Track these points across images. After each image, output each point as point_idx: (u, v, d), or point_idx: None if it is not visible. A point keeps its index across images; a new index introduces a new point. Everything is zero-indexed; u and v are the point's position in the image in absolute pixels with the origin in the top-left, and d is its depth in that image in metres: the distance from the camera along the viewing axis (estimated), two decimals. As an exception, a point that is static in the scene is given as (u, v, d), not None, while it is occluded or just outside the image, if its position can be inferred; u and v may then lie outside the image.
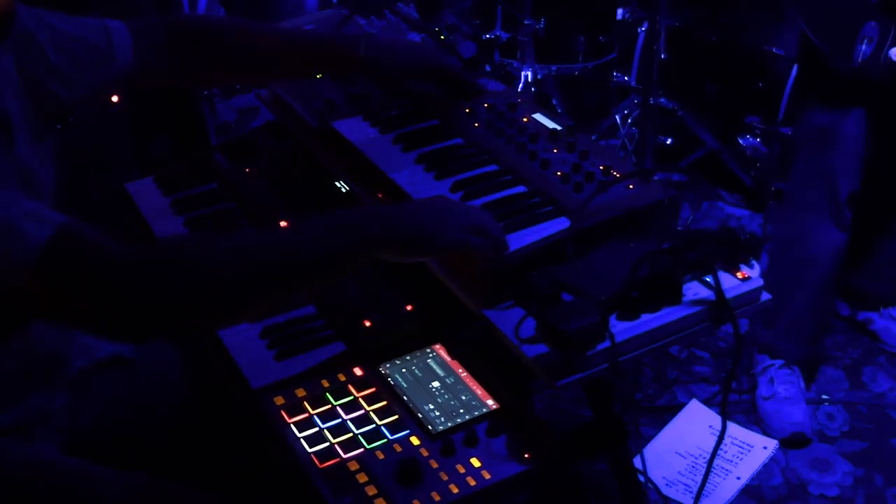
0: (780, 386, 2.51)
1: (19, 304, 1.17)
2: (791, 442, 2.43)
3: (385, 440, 1.30)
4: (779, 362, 2.54)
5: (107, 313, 1.17)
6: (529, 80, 3.53)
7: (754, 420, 2.50)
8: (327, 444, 1.30)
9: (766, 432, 2.47)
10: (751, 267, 1.39)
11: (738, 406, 2.55)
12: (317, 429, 1.32)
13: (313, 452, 1.29)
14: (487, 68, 3.49)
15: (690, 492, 2.27)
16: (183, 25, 1.65)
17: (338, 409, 1.35)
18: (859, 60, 2.15)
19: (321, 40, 1.74)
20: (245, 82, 1.93)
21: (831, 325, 2.75)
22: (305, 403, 1.36)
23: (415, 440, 1.30)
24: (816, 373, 2.65)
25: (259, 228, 1.29)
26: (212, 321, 1.30)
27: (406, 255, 1.30)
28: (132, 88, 1.64)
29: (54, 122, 1.49)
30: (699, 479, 2.25)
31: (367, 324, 1.49)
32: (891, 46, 2.13)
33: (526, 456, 1.27)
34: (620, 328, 1.29)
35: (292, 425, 1.33)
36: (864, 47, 2.14)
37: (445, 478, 1.24)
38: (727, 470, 2.33)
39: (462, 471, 1.25)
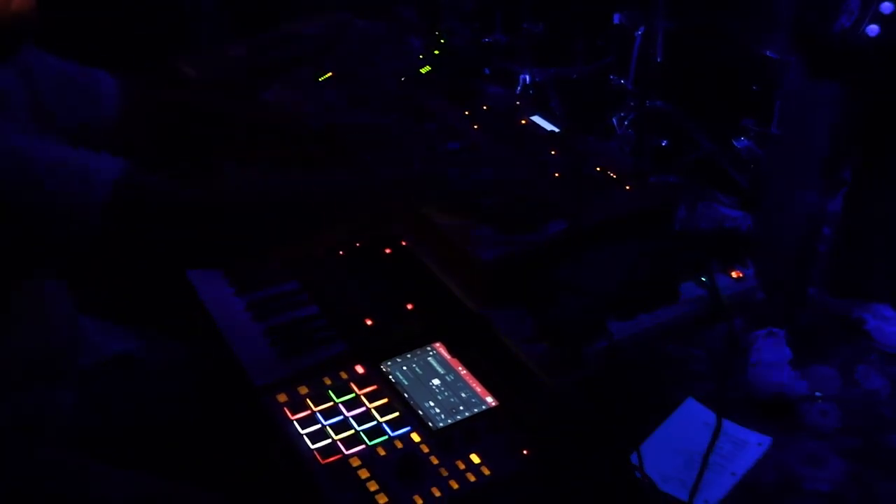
0: (766, 353, 2.58)
1: (89, 242, 1.20)
2: (773, 406, 2.49)
3: (386, 437, 1.31)
4: (763, 332, 2.60)
5: (171, 241, 1.24)
6: (528, 82, 3.53)
7: (749, 417, 2.50)
8: (329, 440, 1.30)
9: (753, 394, 2.53)
10: (745, 267, 1.39)
11: (733, 403, 2.55)
12: (319, 425, 1.33)
13: (316, 449, 1.29)
14: (487, 71, 3.48)
15: (686, 487, 2.28)
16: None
17: (340, 406, 1.36)
18: (837, 32, 2.16)
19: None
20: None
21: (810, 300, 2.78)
22: (308, 401, 1.36)
23: (415, 437, 1.31)
24: (805, 337, 2.70)
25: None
26: (256, 251, 1.38)
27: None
28: (116, 142, 1.66)
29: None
30: (695, 474, 2.25)
31: (369, 322, 1.49)
32: (870, 23, 2.14)
33: (525, 453, 1.27)
34: (618, 327, 1.30)
35: (295, 422, 1.33)
36: (844, 20, 2.15)
37: (445, 474, 1.24)
38: (722, 466, 2.33)
39: (462, 467, 1.25)
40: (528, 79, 3.53)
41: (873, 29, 2.12)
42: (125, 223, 1.19)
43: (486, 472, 1.24)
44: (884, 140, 2.49)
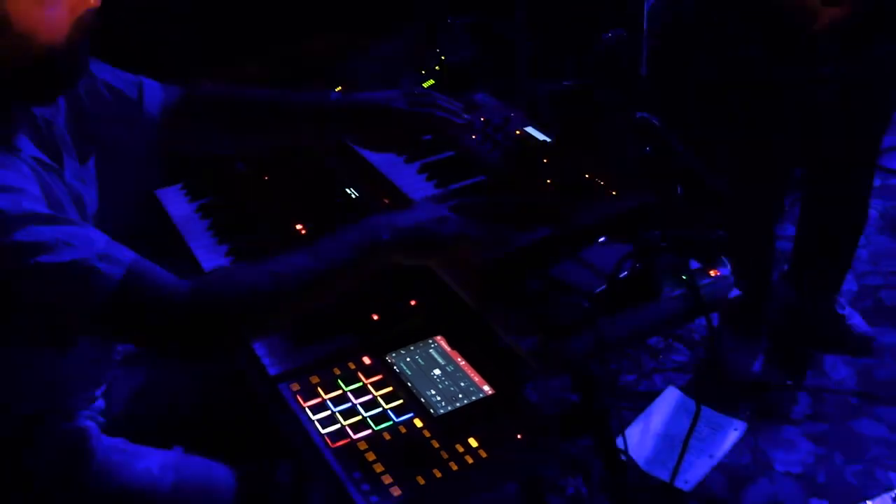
0: (741, 338, 2.57)
1: (90, 333, 1.22)
2: (751, 386, 2.51)
3: (391, 422, 1.31)
4: (736, 322, 2.60)
5: (169, 339, 1.21)
6: (522, 95, 3.53)
7: (725, 404, 2.50)
8: (339, 425, 1.30)
9: (729, 378, 2.55)
10: (722, 265, 1.39)
11: (711, 391, 2.55)
12: (329, 412, 1.32)
13: (326, 433, 1.29)
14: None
15: (667, 469, 2.28)
16: (203, 95, 1.62)
17: (348, 394, 1.36)
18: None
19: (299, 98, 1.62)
20: (245, 148, 1.83)
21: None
22: (319, 389, 1.36)
23: (418, 422, 1.31)
24: (774, 329, 2.70)
25: (286, 253, 1.31)
26: (256, 334, 1.36)
27: (414, 257, 1.32)
28: (157, 146, 1.60)
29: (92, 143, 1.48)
30: (675, 457, 2.25)
31: (375, 317, 1.49)
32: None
33: (519, 437, 1.27)
34: (604, 321, 1.30)
35: (307, 409, 1.33)
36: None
37: (446, 456, 1.24)
38: (701, 449, 2.33)
39: (461, 450, 1.25)
40: (522, 91, 3.52)
41: None
42: (123, 320, 1.17)
43: (483, 455, 1.24)
44: (835, 141, 2.45)
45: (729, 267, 1.39)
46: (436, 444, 1.26)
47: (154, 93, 1.54)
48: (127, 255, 1.16)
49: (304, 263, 1.25)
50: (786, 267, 2.77)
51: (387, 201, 1.63)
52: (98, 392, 1.48)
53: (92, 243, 1.15)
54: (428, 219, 1.32)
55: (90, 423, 1.42)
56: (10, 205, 1.11)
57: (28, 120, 1.29)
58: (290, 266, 1.25)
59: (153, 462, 1.41)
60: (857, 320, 2.72)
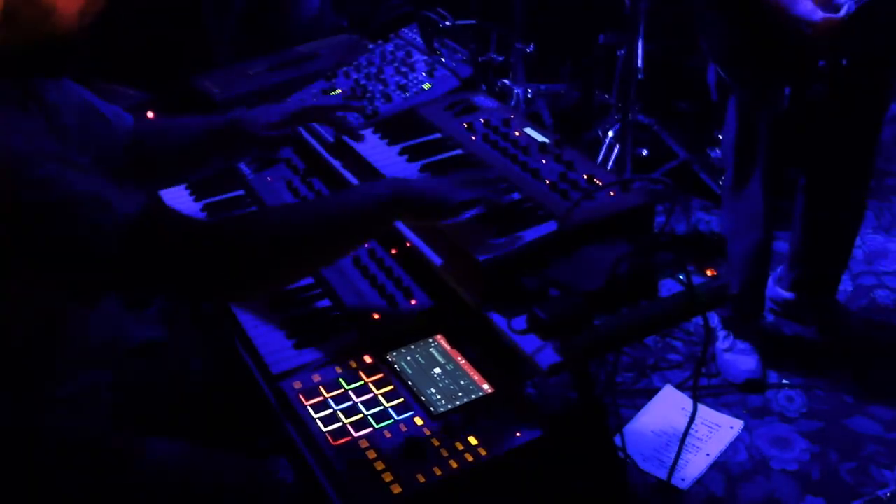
0: (738, 339, 2.56)
1: (108, 274, 1.17)
2: (747, 387, 2.49)
3: (392, 420, 1.31)
4: (733, 321, 2.61)
5: (186, 276, 1.22)
6: (521, 97, 3.53)
7: (722, 402, 2.50)
8: (340, 423, 1.30)
9: (726, 378, 2.55)
10: (718, 265, 1.39)
11: (708, 390, 2.55)
12: (331, 410, 1.32)
13: (328, 431, 1.29)
14: (483, 87, 3.49)
15: (665, 467, 2.28)
16: (147, 125, 1.68)
17: (349, 392, 1.36)
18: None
19: (202, 124, 1.71)
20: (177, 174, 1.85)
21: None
22: (321, 388, 1.36)
23: (418, 420, 1.31)
24: (770, 329, 2.73)
25: (306, 201, 1.38)
26: (276, 274, 1.34)
27: (422, 217, 1.43)
28: (121, 170, 1.62)
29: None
30: (673, 455, 2.25)
31: (376, 317, 1.49)
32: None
33: (517, 435, 1.27)
34: (602, 320, 1.30)
35: (309, 407, 1.33)
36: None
37: (446, 454, 1.24)
38: (697, 447, 2.33)
39: (461, 448, 1.25)
40: (520, 94, 3.52)
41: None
42: (143, 252, 1.16)
43: (483, 452, 1.24)
44: (826, 145, 2.44)
45: (725, 266, 1.39)
46: (436, 443, 1.26)
47: (121, 117, 1.60)
48: (143, 196, 1.19)
49: (324, 208, 1.35)
50: (781, 267, 2.77)
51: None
52: (104, 382, 1.48)
53: (107, 182, 1.17)
54: (439, 187, 1.43)
55: (97, 417, 1.42)
56: (26, 144, 1.13)
57: (37, 99, 1.33)
58: (310, 210, 1.34)
59: (160, 452, 1.41)
60: (851, 319, 2.72)
